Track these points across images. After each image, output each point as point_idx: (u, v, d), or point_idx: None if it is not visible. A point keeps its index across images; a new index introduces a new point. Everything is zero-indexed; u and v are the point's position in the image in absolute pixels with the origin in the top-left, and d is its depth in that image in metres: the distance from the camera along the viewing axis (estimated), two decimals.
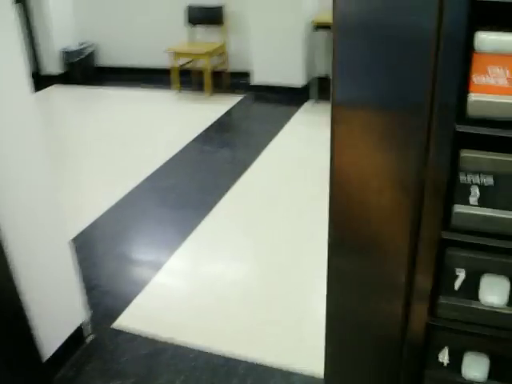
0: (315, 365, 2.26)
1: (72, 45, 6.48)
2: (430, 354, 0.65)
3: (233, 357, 2.28)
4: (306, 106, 5.36)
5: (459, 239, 0.57)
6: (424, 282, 0.60)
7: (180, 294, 2.74)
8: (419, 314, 0.62)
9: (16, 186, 1.88)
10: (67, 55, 6.41)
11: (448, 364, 0.65)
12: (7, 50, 1.80)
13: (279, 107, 5.44)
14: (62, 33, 6.41)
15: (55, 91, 6.26)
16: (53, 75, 6.42)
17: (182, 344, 2.37)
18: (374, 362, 0.68)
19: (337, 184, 0.57)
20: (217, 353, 2.30)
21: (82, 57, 6.43)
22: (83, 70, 6.51)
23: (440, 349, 0.64)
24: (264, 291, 2.69)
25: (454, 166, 0.53)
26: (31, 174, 1.97)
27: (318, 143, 4.48)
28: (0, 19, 1.75)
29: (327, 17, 5.08)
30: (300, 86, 5.54)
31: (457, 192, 0.55)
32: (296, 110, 5.25)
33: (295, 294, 2.66)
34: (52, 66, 6.43)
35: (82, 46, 6.49)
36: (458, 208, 0.56)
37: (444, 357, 0.65)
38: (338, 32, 0.50)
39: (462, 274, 0.60)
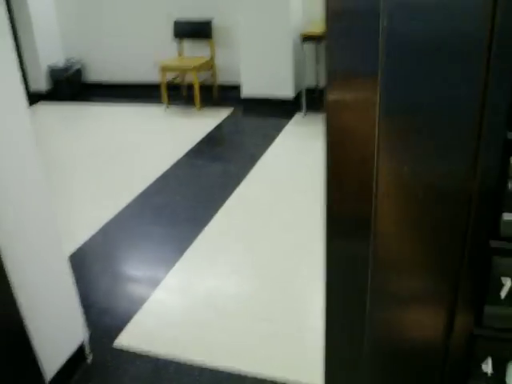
0: (319, 377, 2.25)
1: (59, 61, 6.46)
2: (474, 364, 0.64)
3: (237, 371, 2.25)
4: (297, 117, 5.38)
5: (507, 247, 0.56)
6: (469, 291, 0.59)
7: (179, 310, 2.71)
8: (464, 324, 0.61)
9: (14, 204, 1.85)
10: (54, 72, 6.38)
11: (491, 374, 0.64)
12: (3, 66, 1.78)
13: (270, 120, 5.45)
14: (48, 49, 6.38)
15: (42, 108, 6.22)
16: (39, 92, 6.38)
17: (184, 360, 2.34)
18: (416, 374, 0.67)
19: (383, 196, 0.56)
20: (220, 368, 2.28)
21: (69, 73, 6.40)
22: (70, 86, 6.48)
23: (484, 358, 0.63)
24: (264, 304, 2.67)
25: (504, 174, 0.53)
26: (29, 190, 1.94)
27: (310, 154, 4.50)
28: None
29: (314, 29, 5.11)
30: (289, 98, 5.56)
31: (506, 200, 0.54)
32: (286, 122, 5.26)
33: (296, 307, 2.65)
34: (38, 82, 6.39)
35: (69, 63, 6.47)
36: (507, 216, 0.55)
37: (488, 366, 0.64)
38: (386, 42, 0.49)
39: (508, 283, 0.59)
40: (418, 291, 0.62)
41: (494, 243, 0.56)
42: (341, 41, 0.56)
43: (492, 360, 0.64)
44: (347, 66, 0.57)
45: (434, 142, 0.53)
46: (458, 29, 0.48)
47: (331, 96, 0.60)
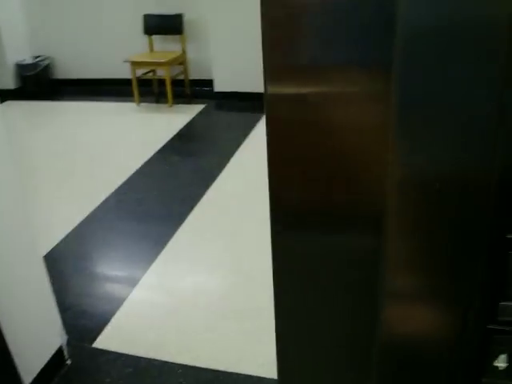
0: None
1: (26, 58, 6.31)
2: (488, 361, 0.62)
3: (222, 370, 2.22)
4: None
5: None
6: (485, 286, 0.57)
7: (160, 309, 2.66)
8: (479, 319, 0.59)
9: None
10: (21, 69, 6.23)
11: (506, 370, 0.62)
12: None
13: (243, 114, 5.41)
14: (15, 46, 6.22)
15: (10, 107, 6.07)
16: (6, 90, 6.21)
17: (166, 360, 2.29)
18: (428, 371, 0.64)
19: (396, 189, 0.53)
20: (205, 367, 2.24)
21: (38, 70, 6.26)
22: (39, 83, 6.34)
23: (498, 354, 0.61)
24: (247, 301, 2.64)
25: None
26: (2, 189, 1.87)
27: None
28: None
29: None
30: (263, 92, 5.52)
31: None
32: (260, 117, 5.22)
33: None
34: (5, 80, 6.23)
35: (37, 59, 6.33)
36: None
37: (502, 363, 0.62)
38: (402, 31, 0.46)
39: None
40: (431, 286, 0.59)
41: (511, 236, 0.54)
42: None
43: (507, 355, 0.62)
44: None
45: (451, 130, 0.50)
46: (476, 14, 0.46)
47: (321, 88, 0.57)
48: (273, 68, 0.54)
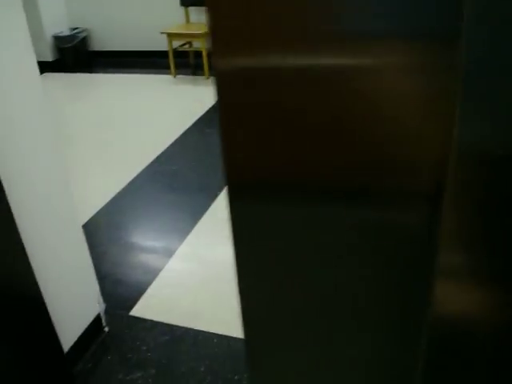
0: None
1: (64, 30, 6.35)
2: None
3: None
4: None
5: None
6: None
7: (195, 280, 2.68)
8: None
9: (30, 175, 1.81)
10: (59, 41, 6.28)
11: None
12: (17, 35, 1.73)
13: None
14: (52, 19, 6.27)
15: (48, 79, 6.14)
16: (45, 62, 6.28)
17: (201, 330, 2.32)
18: (480, 357, 0.62)
19: (461, 167, 0.50)
20: (239, 337, 2.26)
21: (75, 42, 6.30)
22: (76, 55, 6.39)
23: None
24: None
25: None
26: (43, 156, 1.89)
27: None
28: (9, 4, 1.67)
29: None
30: None
31: None
32: None
33: None
34: (43, 52, 6.29)
35: (75, 32, 6.36)
36: None
37: None
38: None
39: None
40: (484, 266, 0.57)
41: None
42: None
43: None
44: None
45: None
46: None
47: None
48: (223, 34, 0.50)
